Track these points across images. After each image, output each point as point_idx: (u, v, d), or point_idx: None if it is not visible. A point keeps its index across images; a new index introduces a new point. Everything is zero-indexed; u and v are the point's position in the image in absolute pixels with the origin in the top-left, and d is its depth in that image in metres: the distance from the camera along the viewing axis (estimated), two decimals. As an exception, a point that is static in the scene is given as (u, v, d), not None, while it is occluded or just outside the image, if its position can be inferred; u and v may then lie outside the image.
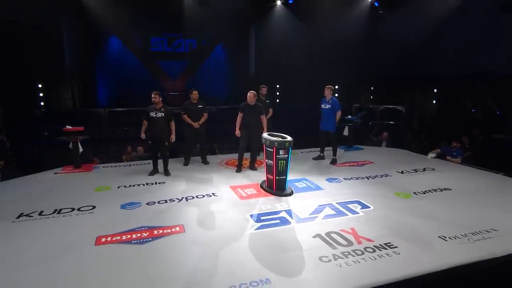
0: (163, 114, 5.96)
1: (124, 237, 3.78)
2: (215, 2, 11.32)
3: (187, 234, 3.87)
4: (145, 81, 13.07)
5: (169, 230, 3.94)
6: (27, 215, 4.37)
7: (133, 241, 3.70)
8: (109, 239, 3.74)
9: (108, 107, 10.15)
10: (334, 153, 6.97)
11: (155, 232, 3.90)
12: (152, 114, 5.95)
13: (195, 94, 6.67)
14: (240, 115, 6.25)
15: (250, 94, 6.19)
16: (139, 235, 3.83)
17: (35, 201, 4.82)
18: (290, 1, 11.98)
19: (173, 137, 6.14)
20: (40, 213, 4.41)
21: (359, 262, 3.22)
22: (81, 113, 9.50)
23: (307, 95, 13.09)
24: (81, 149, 6.37)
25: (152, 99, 5.91)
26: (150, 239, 3.75)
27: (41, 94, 10.37)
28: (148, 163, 6.45)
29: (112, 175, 6.21)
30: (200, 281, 2.97)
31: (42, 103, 10.33)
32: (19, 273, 3.10)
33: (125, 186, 5.54)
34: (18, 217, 4.31)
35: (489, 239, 3.63)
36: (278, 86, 13.01)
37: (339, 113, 6.83)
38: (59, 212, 4.45)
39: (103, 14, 10.91)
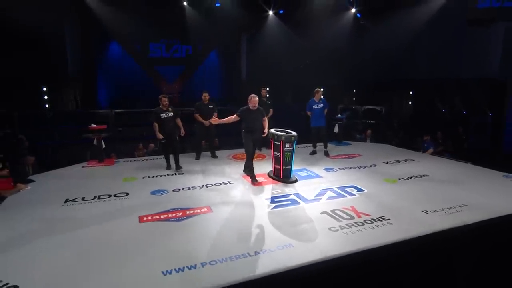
0: (172, 114, 6.59)
1: (162, 216, 4.41)
2: (215, 11, 12.01)
3: (215, 213, 4.53)
4: (144, 84, 13.56)
5: (198, 211, 4.60)
6: (72, 200, 4.95)
7: (170, 219, 4.34)
8: (149, 218, 4.36)
9: (110, 108, 10.54)
10: (325, 146, 7.86)
11: (187, 212, 4.54)
12: (163, 115, 6.50)
13: (206, 96, 7.32)
14: (235, 116, 5.85)
15: (255, 99, 5.74)
16: (174, 214, 4.47)
17: (75, 189, 5.38)
18: (281, 11, 12.77)
19: (183, 131, 6.72)
20: (83, 199, 5.00)
21: (361, 231, 3.98)
22: (88, 114, 9.87)
23: (294, 97, 13.94)
24: (103, 145, 6.88)
25: (164, 102, 6.52)
26: (184, 217, 4.39)
27: (45, 97, 10.66)
28: (162, 158, 7.00)
29: (134, 168, 6.80)
30: (235, 246, 3.61)
31: (47, 106, 10.63)
32: (83, 245, 3.69)
33: (149, 177, 6.15)
34: (65, 201, 4.90)
35: (461, 212, 4.49)
36: (268, 89, 13.68)
37: (326, 110, 7.78)
38: (99, 198, 5.04)
39: (104, 20, 11.28)
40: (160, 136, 6.51)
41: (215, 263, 3.28)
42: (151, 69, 14.04)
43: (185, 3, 11.88)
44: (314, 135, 7.92)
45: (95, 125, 6.95)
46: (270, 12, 12.78)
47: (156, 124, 6.48)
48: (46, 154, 7.92)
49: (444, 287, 4.01)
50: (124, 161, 7.45)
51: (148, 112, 10.64)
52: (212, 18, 12.26)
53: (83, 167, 6.91)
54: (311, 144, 8.12)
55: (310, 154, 7.95)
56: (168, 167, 6.70)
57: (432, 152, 8.07)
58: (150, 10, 11.55)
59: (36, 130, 8.77)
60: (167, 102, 6.59)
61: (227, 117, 5.99)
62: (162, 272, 3.11)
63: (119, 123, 8.98)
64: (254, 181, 5.78)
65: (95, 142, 6.91)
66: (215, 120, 6.10)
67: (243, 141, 5.96)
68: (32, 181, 5.82)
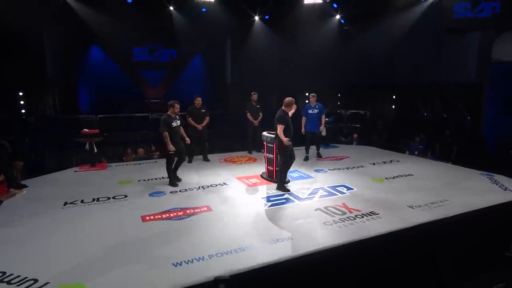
0: (179, 122, 5.99)
1: (164, 216, 4.58)
2: (201, 16, 12.16)
3: (215, 212, 4.74)
4: (127, 89, 13.31)
5: (198, 210, 4.79)
6: (71, 203, 5.04)
7: (172, 218, 4.52)
8: (152, 217, 4.52)
9: (91, 113, 10.48)
10: (318, 149, 8.14)
11: (188, 211, 4.72)
12: (174, 123, 5.83)
13: (198, 100, 7.49)
14: (282, 127, 5.47)
15: (293, 102, 5.65)
16: (175, 214, 4.65)
17: (72, 193, 5.42)
18: (266, 17, 13.07)
19: (188, 139, 6.19)
20: (82, 201, 5.09)
21: (353, 225, 4.29)
22: (73, 120, 9.63)
23: (280, 101, 14.17)
24: (95, 150, 6.92)
25: (177, 109, 5.85)
26: (186, 216, 4.58)
27: (21, 102, 10.33)
28: (156, 161, 7.06)
29: (127, 172, 6.85)
30: (239, 240, 3.83)
31: (23, 111, 10.30)
32: (93, 242, 3.82)
33: (144, 180, 6.25)
34: (64, 204, 4.97)
35: (443, 206, 4.89)
36: (253, 93, 13.85)
37: (323, 117, 7.80)
38: (97, 200, 5.14)
39: (86, 23, 11.05)
40: (172, 148, 5.72)
41: (221, 255, 3.50)
42: (134, 74, 13.84)
43: (171, 8, 11.97)
44: (308, 139, 7.90)
45: (87, 130, 6.99)
46: (256, 18, 13.04)
47: (166, 134, 5.66)
48: (30, 160, 7.75)
49: (429, 273, 4.35)
50: (116, 165, 7.48)
51: (132, 118, 10.73)
52: (198, 22, 12.31)
53: (75, 171, 6.92)
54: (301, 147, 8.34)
55: (304, 160, 7.82)
56: (173, 183, 5.91)
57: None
58: (135, 15, 11.35)
59: (18, 135, 8.48)
60: (179, 110, 5.90)
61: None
62: (173, 264, 3.31)
63: (103, 128, 8.81)
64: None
65: (87, 146, 6.92)
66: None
67: (289, 150, 5.55)
68: (25, 186, 5.80)
